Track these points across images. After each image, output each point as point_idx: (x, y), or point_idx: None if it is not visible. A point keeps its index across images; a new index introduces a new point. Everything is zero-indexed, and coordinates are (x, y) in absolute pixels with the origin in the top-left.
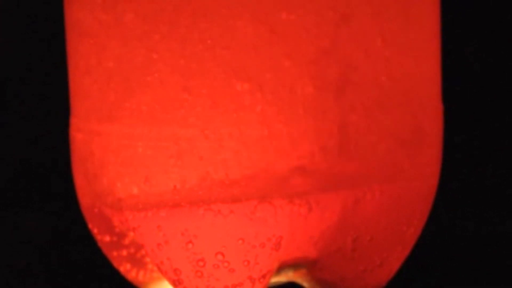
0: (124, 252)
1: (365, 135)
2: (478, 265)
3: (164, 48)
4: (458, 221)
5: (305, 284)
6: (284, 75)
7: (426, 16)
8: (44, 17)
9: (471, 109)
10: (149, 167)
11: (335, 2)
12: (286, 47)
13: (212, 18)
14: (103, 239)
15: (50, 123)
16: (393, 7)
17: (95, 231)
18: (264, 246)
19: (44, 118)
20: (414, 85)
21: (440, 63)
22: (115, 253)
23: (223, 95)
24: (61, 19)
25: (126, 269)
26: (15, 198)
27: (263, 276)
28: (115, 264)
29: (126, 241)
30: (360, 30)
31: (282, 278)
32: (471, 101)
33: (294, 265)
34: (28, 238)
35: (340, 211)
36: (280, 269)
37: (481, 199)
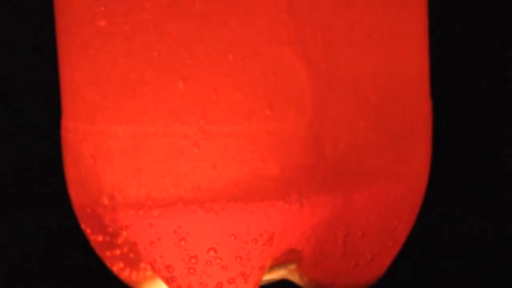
0: (117, 252)
1: (353, 134)
2: (470, 261)
3: (157, 46)
4: (450, 216)
5: (298, 281)
6: (279, 74)
7: (414, 11)
8: (35, 17)
9: (462, 104)
10: (141, 166)
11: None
12: (281, 47)
13: (208, 18)
14: (96, 239)
15: (44, 124)
16: (381, 4)
17: (88, 231)
18: (256, 242)
19: (38, 119)
20: (403, 81)
21: (429, 59)
22: (108, 253)
23: (216, 96)
24: (53, 18)
25: (119, 268)
26: (9, 200)
27: (256, 272)
28: (108, 264)
29: (119, 241)
30: (348, 28)
31: (275, 276)
32: (462, 97)
33: (286, 261)
34: (21, 239)
35: (331, 207)
36: (272, 266)
37: (472, 194)
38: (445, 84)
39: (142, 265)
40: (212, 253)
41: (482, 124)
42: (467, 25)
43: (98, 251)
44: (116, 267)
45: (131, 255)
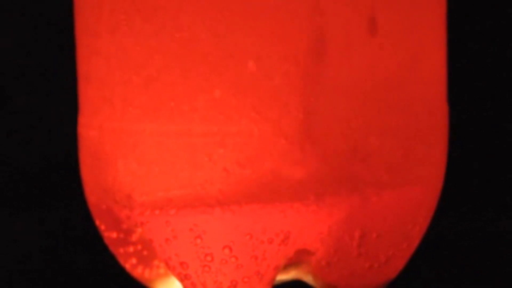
0: (131, 249)
1: (369, 139)
2: (484, 264)
3: (173, 45)
4: (464, 219)
5: (311, 281)
6: (288, 78)
7: (432, 14)
8: (52, 14)
9: (477, 109)
10: (159, 164)
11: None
12: (286, 49)
13: (221, 18)
14: (110, 235)
15: (56, 122)
16: (397, 6)
17: (102, 227)
18: (272, 242)
19: (50, 116)
20: (419, 85)
21: (446, 63)
22: (121, 250)
23: (234, 94)
24: (68, 16)
25: (132, 265)
26: (22, 197)
27: (271, 272)
28: (121, 261)
29: (133, 238)
30: (363, 31)
31: (288, 276)
32: (477, 101)
33: (301, 261)
34: (34, 236)
35: (347, 209)
36: (286, 266)
37: (487, 198)
38: (460, 88)
39: (156, 262)
40: (227, 251)
41: (499, 127)
42: (484, 30)
43: (112, 247)
44: (129, 264)
45: (145, 252)
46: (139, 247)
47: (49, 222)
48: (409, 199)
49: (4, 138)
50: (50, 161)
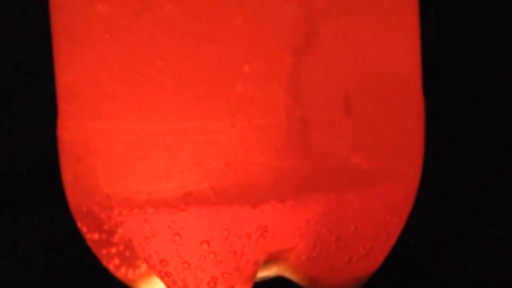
0: (113, 250)
1: (345, 132)
2: (464, 258)
3: (152, 45)
4: (444, 213)
5: (292, 276)
6: (266, 76)
7: (406, 9)
8: (33, 16)
9: (454, 103)
10: (136, 164)
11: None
12: (266, 46)
13: (202, 17)
14: (92, 237)
15: (40, 124)
16: (373, 2)
17: (84, 229)
18: (250, 237)
19: (34, 119)
20: (395, 79)
21: (420, 57)
22: (104, 251)
23: (210, 94)
24: (47, 16)
25: (115, 266)
26: (5, 199)
27: (250, 267)
28: (105, 262)
29: (115, 239)
30: (338, 26)
31: (270, 272)
32: (453, 95)
33: (281, 257)
34: (19, 239)
35: (324, 203)
36: (267, 262)
37: (467, 191)
38: (437, 81)
39: (138, 262)
40: (205, 246)
41: (476, 121)
42: (457, 23)
43: (94, 249)
44: (112, 265)
45: (127, 252)
46: (121, 247)
47: (38, 224)
48: (386, 193)
49: None
50: (33, 164)
